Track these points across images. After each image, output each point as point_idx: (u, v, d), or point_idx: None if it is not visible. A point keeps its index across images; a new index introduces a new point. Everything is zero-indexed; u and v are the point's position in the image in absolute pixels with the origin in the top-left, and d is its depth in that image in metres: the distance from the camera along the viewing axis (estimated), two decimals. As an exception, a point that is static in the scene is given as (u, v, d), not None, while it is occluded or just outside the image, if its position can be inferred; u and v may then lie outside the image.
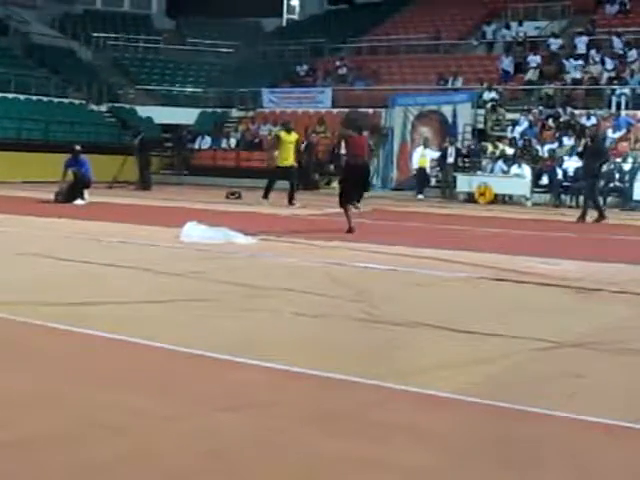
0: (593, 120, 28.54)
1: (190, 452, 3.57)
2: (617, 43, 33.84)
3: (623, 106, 30.30)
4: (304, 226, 14.98)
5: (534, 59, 34.16)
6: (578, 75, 32.67)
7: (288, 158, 19.49)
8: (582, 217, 17.59)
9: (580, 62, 33.28)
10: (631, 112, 29.84)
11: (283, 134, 19.95)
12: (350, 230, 13.52)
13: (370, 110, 33.07)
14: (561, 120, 28.07)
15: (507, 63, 35.04)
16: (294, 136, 19.90)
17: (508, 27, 38.19)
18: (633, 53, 32.97)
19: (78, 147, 20.79)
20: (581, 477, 3.49)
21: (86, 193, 19.05)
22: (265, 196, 20.30)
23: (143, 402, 4.31)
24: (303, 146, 31.46)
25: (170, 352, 5.25)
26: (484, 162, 28.23)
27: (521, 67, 34.86)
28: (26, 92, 35.60)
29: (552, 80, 32.50)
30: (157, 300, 7.02)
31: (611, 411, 4.28)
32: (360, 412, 4.25)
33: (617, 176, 25.50)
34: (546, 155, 26.52)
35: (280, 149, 19.85)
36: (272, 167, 20.82)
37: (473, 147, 29.82)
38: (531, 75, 33.30)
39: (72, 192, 19.08)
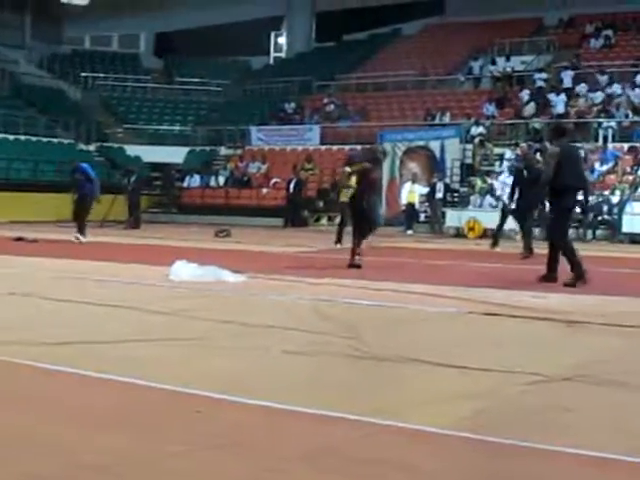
0: (581, 153, 28.68)
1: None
2: (602, 77, 34.11)
3: (610, 139, 30.49)
4: (294, 263, 15.00)
5: (525, 93, 34.44)
6: (564, 109, 32.89)
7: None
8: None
9: (566, 96, 33.50)
10: (618, 145, 30.09)
11: (348, 169, 18.99)
12: (352, 263, 13.60)
13: (358, 147, 33.18)
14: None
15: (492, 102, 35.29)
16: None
17: (494, 62, 38.45)
18: (618, 87, 33.22)
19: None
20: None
21: (81, 237, 19.13)
22: (339, 240, 18.88)
23: (130, 442, 4.29)
24: (292, 183, 31.58)
25: (159, 391, 5.23)
26: (472, 197, 28.34)
27: (507, 102, 35.11)
28: (14, 132, 35.78)
29: (539, 114, 32.71)
30: (146, 339, 7.00)
31: (601, 444, 4.28)
32: (351, 449, 4.24)
33: (605, 209, 25.61)
34: (534, 189, 26.53)
35: (344, 183, 18.90)
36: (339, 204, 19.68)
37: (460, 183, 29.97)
38: (526, 109, 33.48)
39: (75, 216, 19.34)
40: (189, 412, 4.87)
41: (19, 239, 19.19)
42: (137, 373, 5.60)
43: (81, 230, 19.43)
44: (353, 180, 18.39)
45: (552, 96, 33.71)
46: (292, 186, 32.21)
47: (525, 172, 17.27)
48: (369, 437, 4.43)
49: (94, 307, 8.84)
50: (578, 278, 11.60)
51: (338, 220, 19.97)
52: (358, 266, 13.35)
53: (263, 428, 4.59)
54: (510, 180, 19.89)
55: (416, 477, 3.88)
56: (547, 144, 15.28)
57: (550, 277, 12.01)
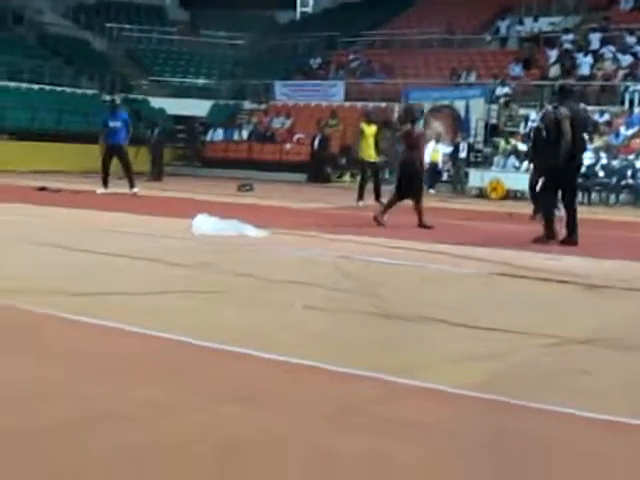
0: (606, 117, 28.52)
1: (199, 444, 3.59)
2: (631, 40, 33.74)
3: (637, 103, 30.23)
4: (316, 219, 14.99)
5: (551, 54, 34.11)
6: (591, 71, 32.62)
7: (371, 152, 18.59)
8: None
9: (593, 58, 33.20)
10: (646, 110, 29.72)
11: (364, 126, 18.82)
12: (379, 223, 13.74)
13: (383, 104, 33.03)
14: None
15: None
16: (373, 128, 18.69)
17: (522, 22, 38.12)
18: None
19: (117, 99, 20.94)
20: (585, 474, 3.51)
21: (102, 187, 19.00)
22: (360, 197, 18.90)
23: (149, 393, 4.33)
24: (317, 140, 31.50)
25: (179, 343, 5.27)
26: (496, 158, 28.19)
27: (534, 63, 34.83)
28: (39, 82, 35.73)
29: (565, 76, 32.41)
30: (166, 291, 7.04)
31: (616, 408, 4.29)
32: (368, 407, 4.27)
33: (630, 173, 25.46)
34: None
35: (362, 142, 19.02)
36: (359, 162, 19.62)
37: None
38: (553, 71, 33.19)
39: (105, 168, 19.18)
40: (209, 364, 4.91)
41: (42, 189, 19.22)
42: (157, 325, 5.64)
43: (130, 182, 19.21)
44: (369, 134, 18.34)
45: (579, 58, 33.44)
46: (317, 142, 32.16)
47: (544, 132, 17.05)
48: (385, 395, 4.46)
49: (115, 258, 8.90)
50: (547, 237, 12.14)
51: (359, 178, 19.88)
52: (429, 227, 13.51)
53: (283, 383, 4.63)
54: None
55: (431, 435, 3.91)
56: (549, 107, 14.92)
57: (570, 240, 12.04)
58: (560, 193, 12.53)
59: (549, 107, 21.34)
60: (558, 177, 12.46)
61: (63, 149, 31.44)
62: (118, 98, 21.66)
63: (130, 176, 19.30)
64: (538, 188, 13.23)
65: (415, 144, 14.16)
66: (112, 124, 19.17)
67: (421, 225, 13.56)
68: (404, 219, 14.12)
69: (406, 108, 15.71)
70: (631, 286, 8.40)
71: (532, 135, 18.01)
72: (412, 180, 13.90)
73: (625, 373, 5.15)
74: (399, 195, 14.02)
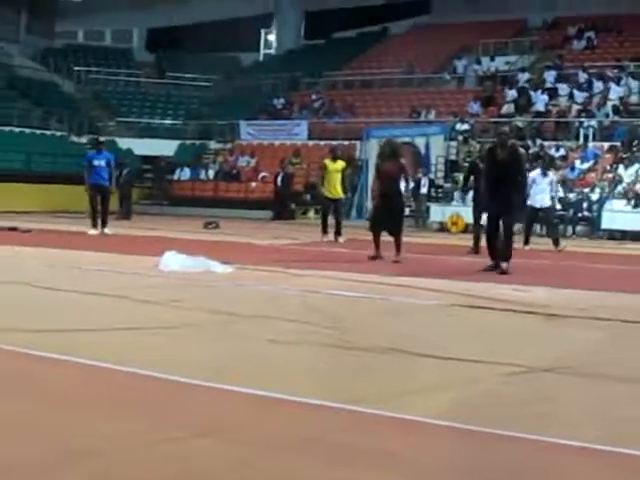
0: (562, 151, 28.80)
1: (161, 476, 3.55)
2: (584, 77, 34.19)
3: (591, 138, 30.59)
4: (281, 255, 15.00)
5: (510, 93, 34.51)
6: (547, 108, 33.02)
7: (331, 189, 18.30)
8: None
9: (549, 95, 33.62)
10: (598, 144, 30.18)
11: (329, 163, 18.58)
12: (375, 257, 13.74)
13: (345, 142, 33.17)
14: (530, 152, 28.10)
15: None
16: (340, 164, 18.52)
17: (479, 62, 38.55)
18: (599, 86, 33.32)
19: (97, 138, 20.77)
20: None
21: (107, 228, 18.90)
22: (324, 231, 18.69)
23: (119, 427, 4.27)
24: (280, 177, 31.61)
25: (147, 378, 5.22)
26: (456, 193, 28.37)
27: (492, 101, 35.18)
28: (9, 124, 35.60)
29: (522, 113, 32.78)
30: (135, 327, 6.99)
31: (583, 435, 4.28)
32: (334, 436, 4.22)
33: (585, 205, 25.73)
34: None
35: (326, 179, 18.59)
36: (321, 198, 19.44)
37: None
38: (506, 109, 33.60)
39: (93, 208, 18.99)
40: (177, 399, 4.86)
41: (13, 229, 19.09)
42: (126, 360, 5.57)
43: (103, 221, 19.08)
44: (334, 169, 18.31)
45: (535, 95, 33.80)
46: (279, 180, 32.31)
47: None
48: (350, 425, 4.43)
49: (84, 296, 8.83)
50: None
51: (321, 213, 19.89)
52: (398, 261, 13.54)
53: (249, 415, 4.58)
54: None
55: (397, 464, 3.87)
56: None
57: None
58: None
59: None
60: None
61: (32, 190, 31.31)
62: (102, 139, 21.57)
63: (106, 218, 19.24)
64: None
65: (391, 177, 14.19)
66: (97, 162, 19.08)
67: (396, 260, 13.49)
68: (367, 253, 14.16)
69: (392, 144, 15.64)
70: (589, 315, 8.44)
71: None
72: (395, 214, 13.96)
73: (588, 400, 5.14)
74: (376, 226, 14.03)
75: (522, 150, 13.40)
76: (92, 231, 18.67)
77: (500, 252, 12.56)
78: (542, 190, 18.69)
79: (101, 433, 4.15)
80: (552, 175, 20.30)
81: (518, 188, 12.92)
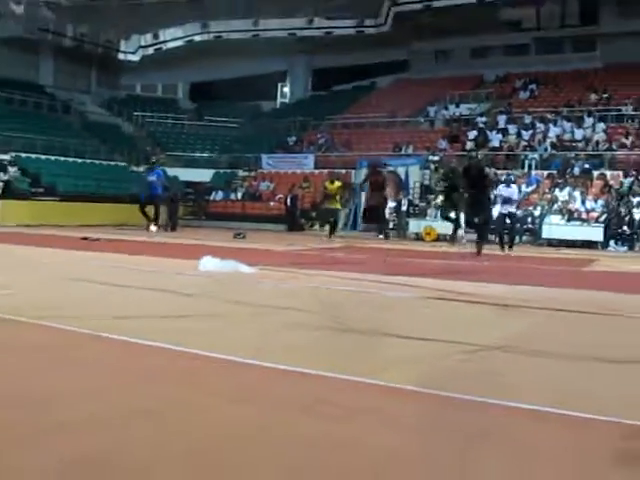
0: (511, 178, 28.83)
1: (207, 433, 3.56)
2: (528, 120, 34.32)
3: (533, 167, 30.70)
4: (294, 258, 15.00)
5: (471, 132, 34.71)
6: (500, 144, 33.19)
7: (334, 202, 18.66)
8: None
9: (501, 134, 33.80)
10: (539, 172, 30.31)
11: (328, 184, 19.11)
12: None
13: (343, 171, 33.25)
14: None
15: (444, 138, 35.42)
16: (337, 184, 18.97)
17: (447, 108, 38.72)
18: (540, 127, 33.43)
19: (154, 159, 20.63)
20: (515, 452, 3.48)
21: (152, 226, 18.62)
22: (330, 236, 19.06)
23: (172, 392, 4.28)
24: (289, 199, 31.73)
25: (192, 355, 5.22)
26: (429, 210, 28.48)
27: (456, 138, 35.29)
28: (83, 157, 35.83)
29: (480, 148, 32.89)
30: (181, 315, 6.99)
31: (529, 399, 4.27)
32: (337, 398, 4.25)
33: (529, 220, 25.79)
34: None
35: (326, 196, 18.97)
36: (324, 211, 19.68)
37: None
38: (468, 145, 33.77)
39: (142, 211, 18.81)
40: (215, 371, 4.86)
41: (85, 238, 19.13)
42: (175, 341, 5.58)
43: (155, 222, 18.94)
44: (333, 189, 18.55)
45: (490, 134, 33.94)
46: (289, 200, 32.50)
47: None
48: (351, 390, 4.44)
49: (140, 290, 8.85)
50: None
51: (319, 226, 20.19)
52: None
53: (269, 384, 4.59)
54: None
55: (385, 418, 3.90)
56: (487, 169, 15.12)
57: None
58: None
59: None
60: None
61: (100, 208, 31.40)
62: (155, 158, 21.52)
63: (156, 219, 19.17)
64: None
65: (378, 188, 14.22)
66: (150, 178, 19.13)
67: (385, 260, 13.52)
68: (361, 257, 14.16)
69: (374, 162, 15.81)
70: (532, 305, 8.44)
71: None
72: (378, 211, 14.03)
73: (532, 371, 5.14)
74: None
75: (487, 170, 13.52)
76: (153, 229, 18.58)
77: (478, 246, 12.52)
78: (508, 199, 18.67)
79: (158, 397, 4.16)
80: (514, 186, 20.30)
81: (485, 193, 13.03)
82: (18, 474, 2.95)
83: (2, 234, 20.34)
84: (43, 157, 33.53)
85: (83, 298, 8.08)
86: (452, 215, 18.17)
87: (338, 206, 18.73)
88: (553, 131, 32.97)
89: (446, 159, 33.02)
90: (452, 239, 12.86)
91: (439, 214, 18.13)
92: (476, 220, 12.70)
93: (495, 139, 33.65)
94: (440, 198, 18.74)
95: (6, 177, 29.63)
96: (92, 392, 4.24)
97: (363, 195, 15.48)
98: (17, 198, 28.96)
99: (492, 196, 15.29)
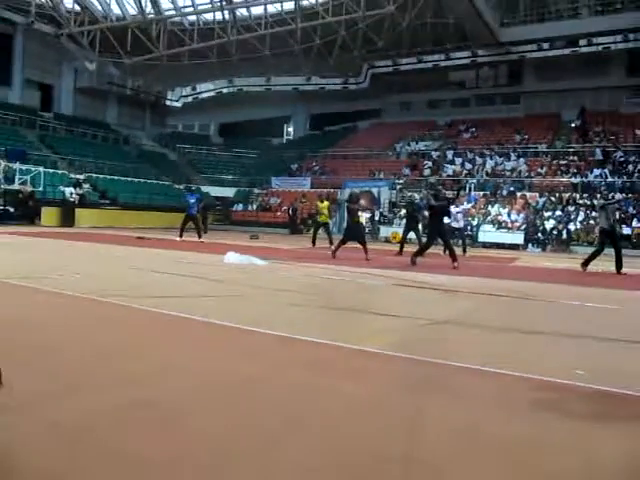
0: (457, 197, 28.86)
1: (222, 379, 3.55)
2: (471, 155, 34.33)
3: (473, 189, 30.68)
4: (297, 255, 14.99)
5: (427, 162, 34.69)
6: (449, 172, 33.13)
7: (324, 217, 18.59)
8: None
9: (450, 165, 33.77)
10: (477, 192, 30.22)
11: (319, 203, 19.09)
12: (334, 256, 13.76)
13: (332, 190, 33.21)
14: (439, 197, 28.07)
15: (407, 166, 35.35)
16: (326, 203, 18.95)
17: (409, 144, 38.71)
18: (479, 160, 33.45)
19: (191, 186, 20.55)
20: (455, 397, 3.50)
21: (200, 236, 18.71)
22: (313, 244, 18.86)
23: (195, 352, 4.28)
24: (290, 210, 31.67)
25: (216, 325, 5.22)
26: (395, 220, 28.46)
27: (416, 167, 35.26)
28: (138, 177, 35.70)
29: (434, 174, 32.88)
30: (211, 295, 6.99)
31: (469, 360, 4.29)
32: (326, 359, 4.25)
33: (469, 227, 25.79)
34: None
35: (318, 212, 19.04)
36: (316, 223, 19.68)
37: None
38: (425, 172, 33.73)
39: (182, 226, 18.84)
40: (234, 337, 4.86)
41: (140, 237, 19.09)
42: (202, 313, 5.58)
43: (199, 234, 19.01)
44: (323, 207, 18.44)
45: (443, 165, 33.94)
46: (290, 211, 32.57)
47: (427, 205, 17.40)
48: (337, 354, 4.44)
49: (180, 277, 8.83)
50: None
51: (313, 230, 20.14)
52: (369, 259, 13.42)
53: (277, 347, 4.60)
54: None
55: (365, 374, 3.89)
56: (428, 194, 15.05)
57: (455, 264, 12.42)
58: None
59: (424, 192, 21.49)
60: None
61: (151, 215, 31.30)
62: (194, 187, 21.48)
63: (199, 232, 19.16)
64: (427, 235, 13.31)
65: (352, 214, 14.30)
66: (190, 200, 19.05)
67: (367, 259, 13.47)
68: (345, 255, 14.16)
69: (353, 193, 15.85)
70: (471, 291, 8.46)
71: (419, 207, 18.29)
72: (358, 232, 14.06)
73: (470, 340, 5.16)
74: (345, 240, 14.10)
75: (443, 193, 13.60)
76: (177, 239, 18.61)
77: (451, 255, 12.45)
78: (459, 218, 19.11)
79: (185, 354, 4.16)
80: (461, 207, 20.55)
81: (447, 216, 13.08)
82: (89, 412, 2.96)
83: (79, 234, 20.28)
84: (109, 177, 33.42)
85: (139, 282, 8.06)
86: (410, 236, 18.17)
87: (327, 220, 18.71)
88: (488, 163, 33.03)
89: (409, 181, 33.11)
90: (416, 255, 12.91)
91: (401, 234, 18.13)
92: (439, 239, 12.72)
93: (446, 168, 33.68)
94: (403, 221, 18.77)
95: (81, 191, 29.52)
96: (135, 350, 4.25)
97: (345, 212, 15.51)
98: (89, 207, 28.94)
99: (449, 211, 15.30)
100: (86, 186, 30.93)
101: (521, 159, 32.86)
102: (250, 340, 4.77)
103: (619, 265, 12.82)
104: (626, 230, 24.16)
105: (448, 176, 32.42)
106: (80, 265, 9.82)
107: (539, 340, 5.24)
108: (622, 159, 30.39)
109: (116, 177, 33.84)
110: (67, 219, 26.64)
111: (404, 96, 44.15)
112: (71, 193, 28.55)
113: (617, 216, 17.64)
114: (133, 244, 15.93)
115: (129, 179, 34.75)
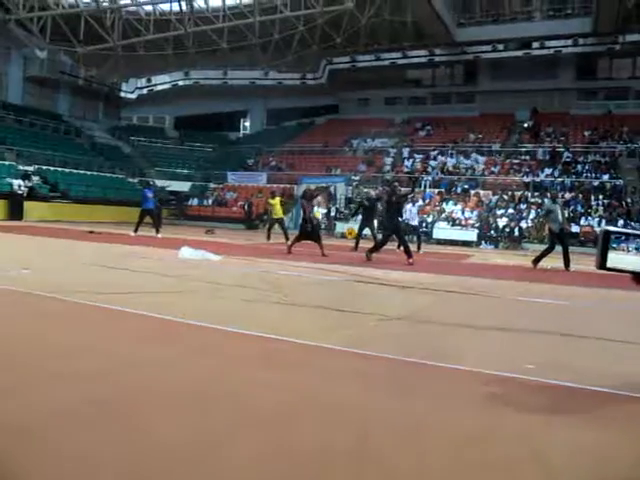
0: (412, 194, 29.20)
1: (182, 376, 3.46)
2: (425, 152, 34.71)
3: (428, 186, 31.03)
4: (252, 250, 14.89)
5: (385, 159, 34.93)
6: (404, 169, 33.44)
7: (277, 213, 18.50)
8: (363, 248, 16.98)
9: (408, 162, 34.07)
10: (432, 190, 30.62)
11: (270, 200, 18.99)
12: (290, 252, 13.67)
13: (288, 185, 33.14)
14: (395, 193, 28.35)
15: (363, 163, 35.56)
16: (277, 199, 18.86)
17: (366, 141, 38.91)
18: (433, 157, 33.87)
19: (148, 180, 20.32)
20: (401, 390, 3.50)
21: (159, 232, 18.40)
22: (268, 238, 18.84)
23: (158, 351, 4.19)
24: (246, 205, 31.56)
25: (166, 320, 5.13)
26: (350, 216, 28.57)
27: (373, 164, 35.47)
28: (90, 170, 34.97)
29: (390, 171, 33.14)
30: (162, 291, 6.87)
31: (408, 354, 4.30)
32: (281, 355, 4.21)
33: (424, 224, 26.05)
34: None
35: (269, 208, 18.95)
36: (269, 219, 19.58)
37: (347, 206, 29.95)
38: (383, 169, 33.95)
39: (139, 221, 18.49)
40: (183, 332, 4.78)
41: (91, 232, 18.66)
42: (157, 310, 5.48)
43: (156, 229, 18.70)
44: (274, 203, 18.37)
45: (402, 161, 34.24)
46: (246, 206, 32.42)
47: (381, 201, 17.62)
48: (293, 348, 4.41)
49: (131, 272, 8.66)
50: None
51: (267, 226, 20.09)
52: (325, 255, 13.32)
53: (226, 341, 4.53)
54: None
55: (318, 368, 3.86)
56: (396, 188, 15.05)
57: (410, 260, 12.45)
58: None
59: (380, 188, 21.70)
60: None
61: (103, 209, 30.70)
62: (151, 181, 21.13)
63: (157, 227, 18.87)
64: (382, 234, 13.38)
65: (305, 211, 14.22)
66: (148, 194, 18.77)
67: (323, 254, 13.43)
68: (301, 250, 14.13)
69: (308, 190, 15.83)
70: (425, 287, 8.53)
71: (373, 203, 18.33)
72: (313, 229, 13.94)
73: (421, 335, 5.19)
74: (300, 237, 14.01)
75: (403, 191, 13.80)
76: (132, 234, 18.27)
77: (405, 252, 12.52)
78: (414, 216, 19.53)
79: (139, 353, 4.05)
80: (417, 204, 20.99)
81: (401, 213, 13.14)
82: (38, 410, 2.85)
83: (28, 227, 19.72)
84: (60, 169, 32.60)
85: (90, 278, 7.87)
86: (365, 232, 18.21)
87: (280, 215, 18.64)
88: (442, 161, 33.47)
89: (364, 178, 33.26)
90: (371, 251, 12.84)
91: (357, 230, 18.13)
92: (394, 236, 12.77)
93: (405, 166, 33.99)
94: (359, 217, 18.75)
95: (30, 184, 28.70)
96: (90, 349, 4.13)
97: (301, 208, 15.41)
98: (38, 200, 28.17)
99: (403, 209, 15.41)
100: (35, 178, 30.08)
101: (480, 158, 33.34)
102: (200, 335, 4.69)
103: (567, 262, 13.18)
104: (574, 228, 24.83)
105: (405, 173, 32.72)
106: (29, 260, 9.52)
107: (491, 335, 5.30)
108: (569, 159, 31.21)
109: (67, 170, 33.05)
110: (15, 212, 25.90)
111: (361, 93, 44.32)
112: (19, 185, 27.73)
113: (566, 214, 18.12)
114: (84, 239, 15.56)
115: (81, 172, 33.98)
